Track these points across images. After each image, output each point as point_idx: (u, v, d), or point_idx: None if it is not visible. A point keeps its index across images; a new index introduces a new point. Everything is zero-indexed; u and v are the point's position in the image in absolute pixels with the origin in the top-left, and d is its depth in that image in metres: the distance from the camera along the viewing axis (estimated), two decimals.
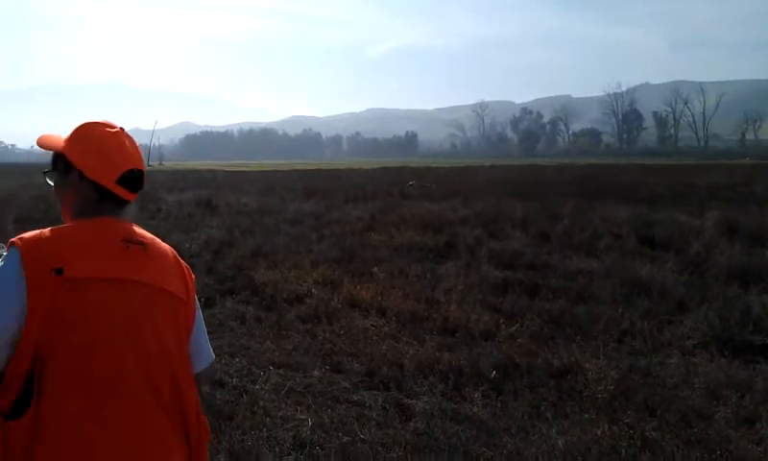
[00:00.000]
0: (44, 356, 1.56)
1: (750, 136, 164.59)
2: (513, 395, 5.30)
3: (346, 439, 4.43)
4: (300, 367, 5.99)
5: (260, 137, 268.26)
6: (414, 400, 5.19)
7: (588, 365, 5.72)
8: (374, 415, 4.93)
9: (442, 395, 5.31)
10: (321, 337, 6.85)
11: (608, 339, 6.62)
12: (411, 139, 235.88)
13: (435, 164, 77.66)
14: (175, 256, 1.87)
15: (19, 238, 1.64)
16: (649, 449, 4.22)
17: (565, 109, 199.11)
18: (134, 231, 1.78)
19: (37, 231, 1.68)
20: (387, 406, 5.10)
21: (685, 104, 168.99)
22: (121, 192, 1.78)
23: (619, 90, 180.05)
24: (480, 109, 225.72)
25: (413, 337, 6.85)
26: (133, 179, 1.80)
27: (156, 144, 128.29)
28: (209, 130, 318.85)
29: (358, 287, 8.70)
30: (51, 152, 1.84)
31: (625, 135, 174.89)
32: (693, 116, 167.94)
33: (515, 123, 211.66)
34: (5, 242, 1.74)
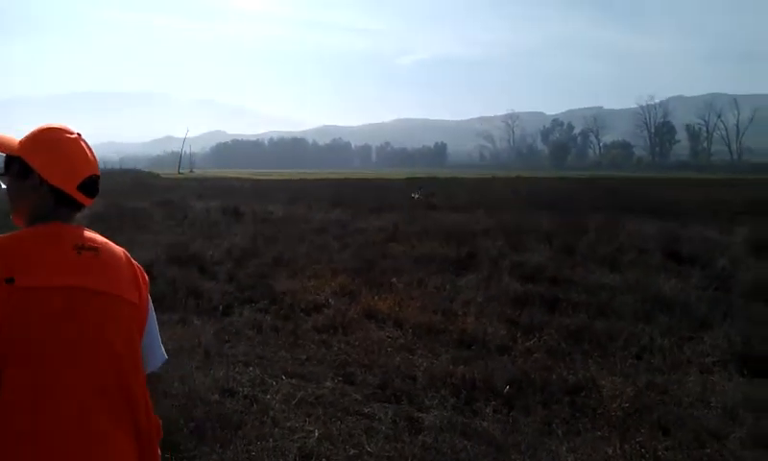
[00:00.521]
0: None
1: None
2: (525, 411, 5.23)
3: (353, 451, 4.41)
4: (312, 377, 5.99)
5: (290, 147, 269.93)
6: (424, 414, 5.16)
7: (603, 382, 5.64)
8: (384, 428, 4.90)
9: (453, 409, 5.27)
10: (335, 348, 6.84)
11: (626, 355, 6.53)
12: (440, 150, 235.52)
13: (463, 175, 77.46)
14: (127, 258, 1.88)
15: None
16: None
17: (597, 120, 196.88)
18: (86, 237, 1.79)
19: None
20: (397, 419, 5.07)
21: (719, 117, 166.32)
22: (80, 198, 1.80)
23: (652, 102, 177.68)
24: (510, 120, 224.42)
25: (428, 350, 6.81)
26: (92, 184, 1.82)
27: (188, 152, 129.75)
28: (240, 138, 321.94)
29: (376, 298, 8.70)
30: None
31: (657, 148, 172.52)
32: (727, 130, 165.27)
33: (545, 134, 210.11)
34: None
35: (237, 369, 6.09)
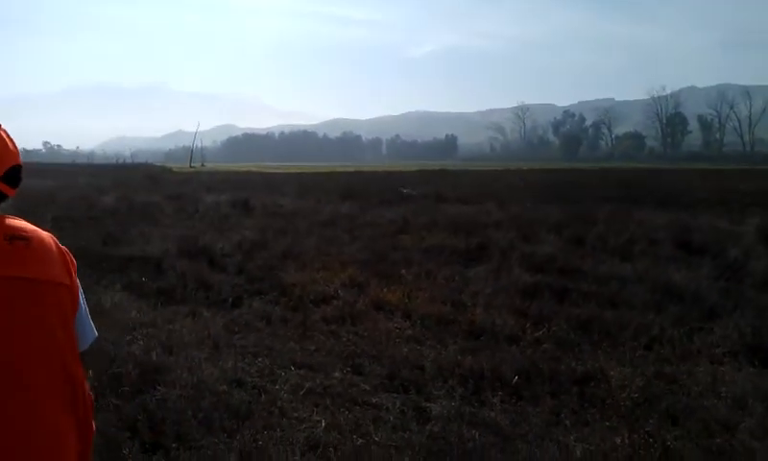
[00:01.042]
0: None
1: None
2: (533, 401, 5.22)
3: (360, 441, 4.42)
4: (321, 368, 6.00)
5: (301, 140, 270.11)
6: (432, 404, 5.16)
7: (612, 372, 5.62)
8: (391, 417, 4.90)
9: (461, 399, 5.26)
10: (344, 339, 6.85)
11: (635, 346, 6.50)
12: (450, 142, 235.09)
13: (473, 167, 77.33)
14: (56, 244, 1.88)
15: None
16: (668, 459, 4.12)
17: (609, 112, 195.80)
18: (16, 226, 1.79)
19: None
20: (405, 409, 5.07)
21: (731, 107, 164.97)
22: (5, 189, 1.79)
23: (664, 93, 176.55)
24: (521, 112, 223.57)
25: (436, 340, 6.81)
26: (15, 175, 1.81)
27: (199, 146, 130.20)
28: (251, 132, 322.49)
29: (385, 289, 8.70)
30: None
31: (669, 139, 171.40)
32: (739, 120, 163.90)
33: (556, 126, 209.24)
34: None
35: (246, 360, 6.12)
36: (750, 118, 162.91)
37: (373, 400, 5.25)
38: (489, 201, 22.04)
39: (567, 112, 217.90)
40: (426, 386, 5.53)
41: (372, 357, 6.28)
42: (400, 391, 5.48)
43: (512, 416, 4.93)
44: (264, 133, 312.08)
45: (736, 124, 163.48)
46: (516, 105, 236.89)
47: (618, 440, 4.34)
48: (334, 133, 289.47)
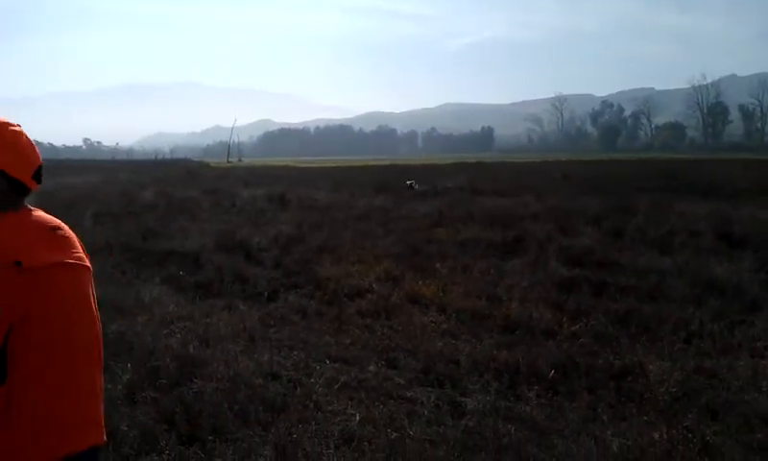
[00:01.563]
0: (14, 338, 1.75)
1: None
2: (569, 396, 5.16)
3: (394, 435, 4.41)
4: (355, 361, 6.01)
5: (336, 134, 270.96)
6: (467, 398, 5.13)
7: (651, 366, 5.53)
8: (426, 412, 4.89)
9: (496, 393, 5.22)
10: (379, 332, 6.85)
11: (675, 340, 6.38)
12: (487, 134, 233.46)
13: (510, 159, 76.70)
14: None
15: None
16: (708, 454, 4.04)
17: (648, 101, 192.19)
18: (49, 218, 1.95)
19: None
20: (439, 403, 5.06)
21: None
22: (33, 185, 1.94)
23: (704, 82, 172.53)
24: (559, 103, 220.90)
25: (472, 335, 6.77)
26: (40, 173, 1.98)
27: (236, 141, 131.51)
28: (287, 127, 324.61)
29: (420, 283, 8.68)
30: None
31: (710, 129, 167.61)
32: None
33: (594, 117, 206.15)
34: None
35: (281, 353, 6.16)
36: None
37: (408, 394, 5.25)
38: (526, 193, 21.83)
39: (606, 102, 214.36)
40: (461, 380, 5.50)
41: (406, 351, 6.27)
42: (435, 385, 5.46)
43: (548, 411, 4.89)
44: (300, 127, 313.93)
45: None
46: (553, 95, 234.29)
47: (656, 435, 4.27)
48: (369, 127, 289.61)
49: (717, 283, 8.31)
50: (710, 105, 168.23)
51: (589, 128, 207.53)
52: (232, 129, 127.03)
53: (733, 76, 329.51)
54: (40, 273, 1.77)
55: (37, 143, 2.04)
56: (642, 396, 5.05)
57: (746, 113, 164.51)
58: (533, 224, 13.96)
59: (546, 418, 4.76)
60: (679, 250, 10.90)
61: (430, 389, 5.38)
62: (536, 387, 5.29)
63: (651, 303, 7.71)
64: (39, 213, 1.95)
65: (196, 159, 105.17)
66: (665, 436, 4.24)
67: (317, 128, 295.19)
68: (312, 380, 5.47)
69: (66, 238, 1.92)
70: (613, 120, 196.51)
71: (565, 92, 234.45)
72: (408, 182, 25.99)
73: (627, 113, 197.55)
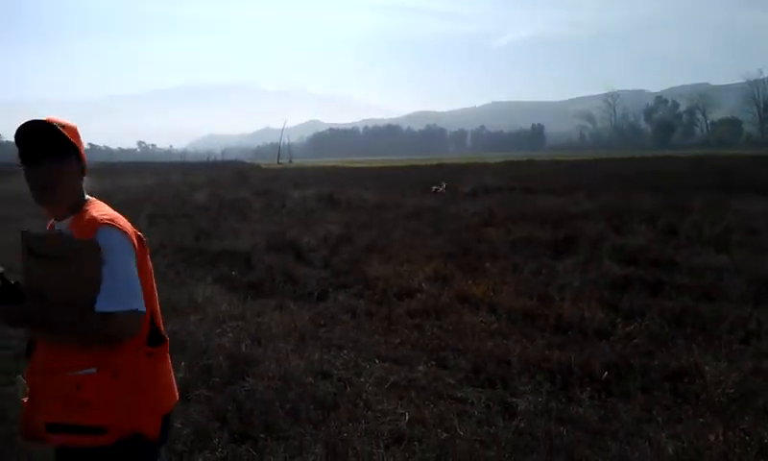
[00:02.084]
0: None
1: None
2: (623, 397, 5.05)
3: (444, 435, 4.39)
4: (405, 361, 6.01)
5: (385, 134, 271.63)
6: (518, 399, 5.07)
7: (707, 367, 5.37)
8: (476, 412, 4.85)
9: (548, 394, 5.15)
10: (428, 332, 6.83)
11: (732, 340, 6.19)
12: (537, 132, 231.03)
13: (562, 157, 75.65)
14: None
15: (111, 220, 2.14)
16: (765, 457, 3.91)
17: (703, 97, 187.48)
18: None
19: (110, 210, 2.23)
20: (490, 404, 5.01)
21: None
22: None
23: (761, 77, 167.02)
24: (611, 100, 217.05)
25: (522, 335, 6.69)
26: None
27: (286, 143, 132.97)
28: (336, 127, 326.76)
29: (470, 283, 8.62)
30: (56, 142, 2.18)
31: (767, 125, 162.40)
32: None
33: (648, 113, 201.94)
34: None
35: (332, 352, 6.20)
36: None
37: (458, 395, 5.22)
38: (577, 191, 21.48)
39: (660, 98, 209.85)
40: (512, 381, 5.44)
41: (456, 351, 6.24)
42: (486, 385, 5.41)
43: (601, 412, 4.80)
44: (349, 127, 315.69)
45: None
46: (605, 92, 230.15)
47: (712, 437, 4.15)
48: (418, 127, 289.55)
49: None
50: (767, 100, 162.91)
51: (643, 124, 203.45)
52: (282, 130, 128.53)
53: None
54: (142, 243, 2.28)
55: (94, 146, 2.16)
56: (698, 397, 4.92)
57: None
58: (585, 223, 13.73)
59: (599, 419, 4.67)
60: (736, 248, 10.59)
61: (480, 389, 5.34)
62: (588, 388, 5.20)
63: (707, 303, 7.50)
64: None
65: (247, 161, 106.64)
66: (722, 438, 4.12)
67: (365, 128, 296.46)
68: (362, 380, 5.48)
69: None
70: (668, 116, 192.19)
71: (618, 88, 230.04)
72: (434, 188, 25.50)
73: (681, 109, 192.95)
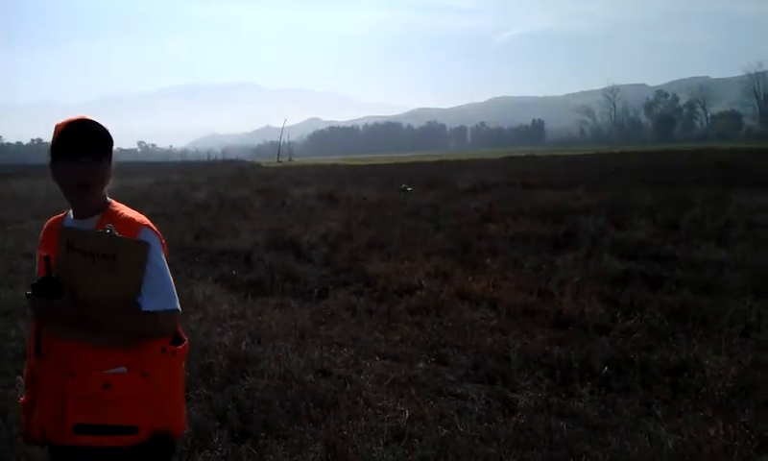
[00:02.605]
0: None
1: None
2: (623, 392, 5.05)
3: (444, 432, 4.39)
4: (405, 358, 6.01)
5: (385, 131, 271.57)
6: (518, 395, 5.08)
7: (707, 361, 5.37)
8: (476, 408, 4.86)
9: (548, 390, 5.15)
10: (428, 329, 6.83)
11: (732, 333, 6.18)
12: (538, 127, 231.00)
13: (562, 152, 75.63)
14: None
15: (147, 222, 2.21)
16: (766, 451, 3.91)
17: (703, 90, 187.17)
18: None
19: (139, 214, 2.26)
20: (490, 400, 5.02)
21: None
22: None
23: (761, 70, 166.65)
24: (611, 94, 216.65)
25: (522, 330, 6.70)
26: None
27: (286, 141, 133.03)
28: (336, 125, 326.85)
29: (469, 279, 8.63)
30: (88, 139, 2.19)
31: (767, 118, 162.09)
32: None
33: (648, 107, 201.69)
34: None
35: (332, 350, 6.19)
36: None
37: (458, 391, 5.22)
38: (577, 186, 21.47)
39: (660, 92, 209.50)
40: (512, 377, 5.44)
41: (456, 347, 6.24)
42: (486, 381, 5.42)
43: (601, 407, 4.80)
44: (349, 125, 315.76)
45: None
46: (605, 86, 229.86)
47: (713, 431, 4.14)
48: (418, 124, 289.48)
49: None
50: (767, 92, 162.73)
51: (643, 118, 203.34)
52: (282, 129, 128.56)
53: None
54: None
55: None
56: (698, 391, 4.91)
57: None
58: (585, 218, 13.71)
59: (599, 414, 4.67)
60: (736, 242, 10.61)
61: (480, 385, 5.34)
62: (589, 383, 5.20)
63: (707, 297, 7.52)
64: None
65: (247, 160, 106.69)
66: (722, 432, 4.11)
67: (365, 125, 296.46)
68: (362, 377, 5.48)
69: None
70: (668, 110, 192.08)
71: (618, 83, 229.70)
72: (403, 186, 24.72)
73: (682, 103, 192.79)
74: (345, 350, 6.24)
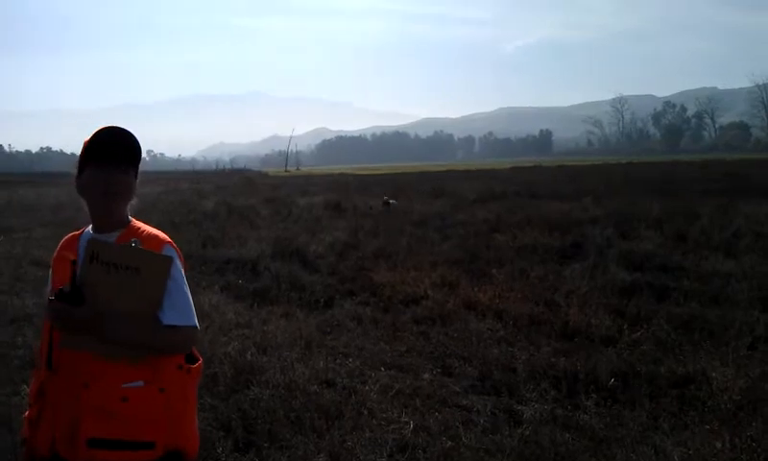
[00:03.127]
0: None
1: None
2: (630, 404, 5.02)
3: (449, 443, 4.37)
4: (410, 369, 5.99)
5: (393, 140, 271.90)
6: (524, 407, 5.05)
7: (714, 373, 5.33)
8: (482, 420, 4.83)
9: (554, 401, 5.13)
10: (434, 339, 6.81)
11: (739, 345, 6.14)
12: (545, 138, 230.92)
13: (570, 163, 75.53)
14: None
15: (169, 242, 2.20)
16: None
17: (712, 101, 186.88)
18: None
19: (161, 232, 2.24)
20: (496, 412, 4.99)
21: None
22: None
23: None
24: (619, 104, 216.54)
25: (529, 342, 6.67)
26: None
27: (294, 150, 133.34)
28: (344, 134, 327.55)
29: (476, 289, 8.60)
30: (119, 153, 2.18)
31: None
32: None
33: (656, 118, 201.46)
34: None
35: (337, 360, 6.18)
36: None
37: (463, 402, 5.20)
38: (585, 197, 21.42)
39: (668, 103, 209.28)
40: (518, 388, 5.42)
41: (462, 358, 6.22)
42: (491, 393, 5.40)
43: (607, 419, 4.76)
44: (357, 134, 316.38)
45: None
46: (613, 97, 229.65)
47: (719, 444, 4.12)
48: (426, 133, 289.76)
49: None
50: None
51: (651, 129, 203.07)
52: (290, 138, 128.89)
53: None
54: None
55: None
56: (705, 404, 4.88)
57: None
58: (592, 228, 13.67)
59: (605, 427, 4.64)
60: (745, 253, 10.54)
61: (486, 397, 5.32)
62: (594, 395, 5.17)
63: (715, 308, 7.48)
64: None
65: (255, 169, 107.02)
66: (728, 445, 4.09)
67: (373, 135, 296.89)
68: (367, 388, 5.46)
69: None
70: (676, 121, 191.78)
71: (626, 93, 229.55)
72: (385, 198, 22.01)
73: (690, 113, 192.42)
74: (350, 360, 6.23)
